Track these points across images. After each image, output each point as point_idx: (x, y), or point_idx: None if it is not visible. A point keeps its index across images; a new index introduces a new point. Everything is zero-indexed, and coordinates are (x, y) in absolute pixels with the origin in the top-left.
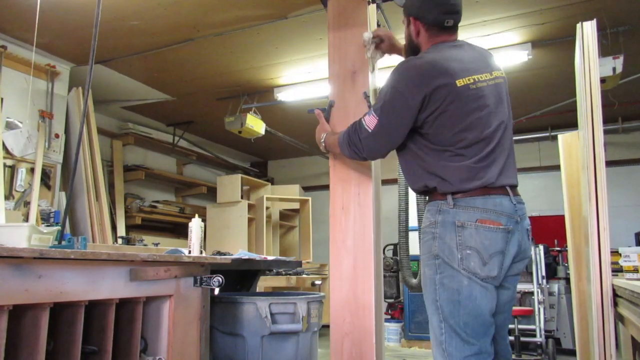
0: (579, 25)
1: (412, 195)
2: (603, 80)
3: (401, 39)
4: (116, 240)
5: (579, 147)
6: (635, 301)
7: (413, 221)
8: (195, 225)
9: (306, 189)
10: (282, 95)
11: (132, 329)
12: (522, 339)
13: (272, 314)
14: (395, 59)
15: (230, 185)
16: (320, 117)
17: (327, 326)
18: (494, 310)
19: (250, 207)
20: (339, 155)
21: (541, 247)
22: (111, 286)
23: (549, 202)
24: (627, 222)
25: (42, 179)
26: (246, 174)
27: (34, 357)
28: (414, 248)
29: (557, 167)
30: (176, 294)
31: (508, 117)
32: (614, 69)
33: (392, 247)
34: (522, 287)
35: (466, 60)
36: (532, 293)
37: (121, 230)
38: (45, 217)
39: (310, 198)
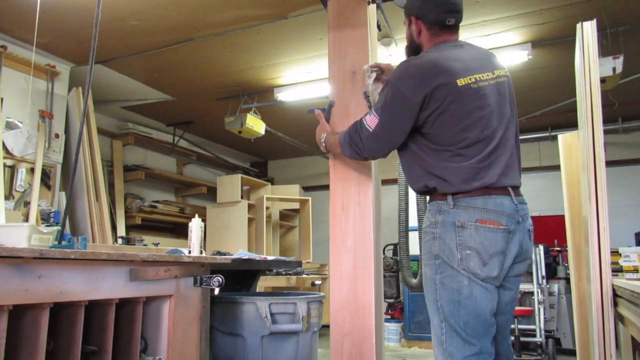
0: (579, 25)
1: (412, 195)
2: (603, 80)
3: (399, 39)
4: (116, 240)
5: (579, 147)
6: (635, 301)
7: (413, 221)
8: (195, 225)
9: (306, 189)
10: (282, 95)
11: (132, 329)
12: (522, 339)
13: (272, 314)
14: (396, 59)
15: (230, 185)
16: (321, 117)
17: (327, 326)
18: (494, 310)
19: (250, 207)
20: (339, 155)
21: (541, 247)
22: (111, 286)
23: (549, 202)
24: (627, 222)
25: (42, 179)
26: (246, 174)
27: (34, 357)
28: (414, 248)
29: (557, 167)
30: (176, 294)
31: (511, 116)
32: (614, 69)
33: (392, 247)
34: (522, 287)
35: (467, 60)
36: (532, 293)
37: (121, 230)
38: (45, 217)
39: (310, 198)
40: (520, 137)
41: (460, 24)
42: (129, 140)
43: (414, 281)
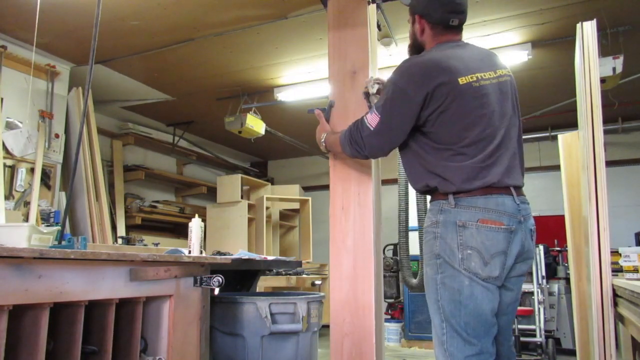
0: (579, 25)
1: (412, 195)
2: (603, 80)
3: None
4: (116, 240)
5: (579, 147)
6: (635, 301)
7: (413, 221)
8: (195, 225)
9: (306, 189)
10: (282, 95)
11: (132, 329)
12: (522, 339)
13: (272, 314)
14: (396, 59)
15: (230, 185)
16: (321, 117)
17: (327, 326)
18: (495, 310)
19: (250, 207)
20: (340, 155)
21: (541, 247)
22: (111, 286)
23: (549, 202)
24: (627, 222)
25: (42, 179)
26: (246, 174)
27: (34, 357)
28: (414, 248)
29: (557, 167)
30: (176, 294)
31: (514, 115)
32: (614, 69)
33: (392, 247)
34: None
35: (469, 59)
36: (532, 293)
37: (121, 230)
38: (45, 217)
39: (310, 198)
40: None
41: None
42: (129, 140)
43: (414, 281)
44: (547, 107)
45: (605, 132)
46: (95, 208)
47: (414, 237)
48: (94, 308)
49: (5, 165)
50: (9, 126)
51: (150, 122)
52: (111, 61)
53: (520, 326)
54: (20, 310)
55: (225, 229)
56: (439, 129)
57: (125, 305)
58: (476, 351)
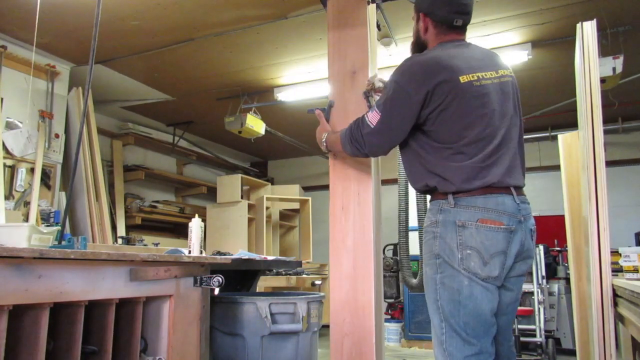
0: (579, 25)
1: (412, 195)
2: (603, 80)
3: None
4: (116, 240)
5: (579, 147)
6: (635, 301)
7: (413, 221)
8: (195, 225)
9: (306, 189)
10: (282, 95)
11: (132, 329)
12: (522, 339)
13: (272, 314)
14: (396, 59)
15: (230, 185)
16: (321, 117)
17: (327, 326)
18: (495, 310)
19: (250, 207)
20: (340, 154)
21: (541, 247)
22: (111, 286)
23: (549, 202)
24: (627, 222)
25: (42, 179)
26: (246, 174)
27: (34, 357)
28: (414, 248)
29: (557, 167)
30: (176, 294)
31: (515, 116)
32: (614, 69)
33: (392, 247)
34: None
35: (470, 58)
36: (532, 293)
37: (121, 230)
38: (45, 217)
39: (310, 198)
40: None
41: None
42: (129, 140)
43: (414, 281)
44: (547, 107)
45: (605, 132)
46: (95, 208)
47: (414, 237)
48: (94, 308)
49: (5, 165)
50: (9, 126)
51: (150, 122)
52: (111, 61)
53: (520, 326)
54: (20, 310)
55: (225, 229)
56: (439, 128)
57: (125, 305)
58: (475, 351)
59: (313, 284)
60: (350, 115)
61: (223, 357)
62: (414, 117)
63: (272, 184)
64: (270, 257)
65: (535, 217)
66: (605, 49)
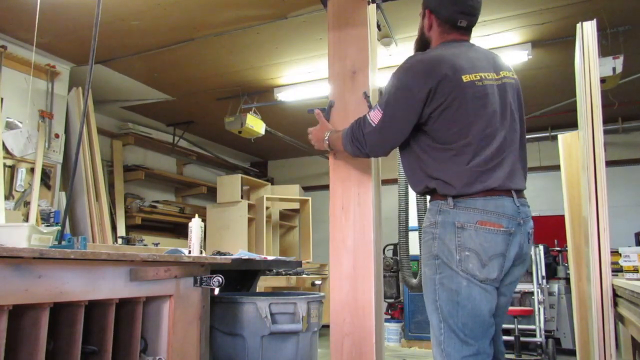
0: (579, 25)
1: (412, 195)
2: (603, 80)
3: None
4: (116, 240)
5: (579, 147)
6: (635, 301)
7: (413, 221)
8: (195, 225)
9: (306, 189)
10: (282, 95)
11: (132, 329)
12: (522, 339)
13: (272, 314)
14: (396, 59)
15: (230, 185)
16: (320, 117)
17: (327, 326)
18: (493, 311)
19: (250, 207)
20: (340, 154)
21: (541, 247)
22: (111, 286)
23: (549, 202)
24: (627, 222)
25: (42, 179)
26: (246, 174)
27: (34, 357)
28: (414, 248)
29: (557, 167)
30: (176, 294)
31: (517, 118)
32: (614, 69)
33: (392, 247)
34: (522, 287)
35: (473, 58)
36: (532, 293)
37: (121, 230)
38: (45, 217)
39: (310, 198)
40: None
41: None
42: (129, 140)
43: (414, 281)
44: (547, 107)
45: (605, 132)
46: (95, 208)
47: (414, 237)
48: (94, 308)
49: (5, 165)
50: (9, 126)
51: (150, 122)
52: (111, 61)
53: (520, 326)
54: (20, 310)
55: (225, 229)
56: (441, 127)
57: (125, 305)
58: (473, 352)
59: (313, 284)
60: (350, 115)
61: (223, 357)
62: (416, 115)
63: (272, 184)
64: (270, 257)
65: (535, 217)
66: (605, 49)
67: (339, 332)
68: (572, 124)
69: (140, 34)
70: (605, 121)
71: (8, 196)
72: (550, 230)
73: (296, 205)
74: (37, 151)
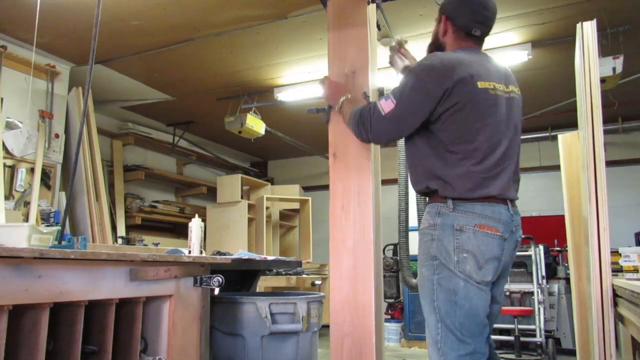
0: (579, 25)
1: (412, 195)
2: (603, 80)
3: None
4: (116, 240)
5: (579, 147)
6: (635, 301)
7: (413, 221)
8: (195, 225)
9: (306, 189)
10: (282, 95)
11: (132, 329)
12: (522, 339)
13: (272, 314)
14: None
15: (230, 185)
16: (331, 82)
17: (327, 326)
18: (488, 311)
19: (250, 207)
20: (340, 154)
21: (541, 247)
22: (111, 286)
23: (549, 202)
24: (627, 222)
25: (42, 179)
26: (246, 174)
27: (34, 357)
28: (414, 248)
29: (557, 167)
30: (176, 294)
31: (516, 133)
32: (614, 69)
33: (392, 247)
34: (522, 287)
35: (488, 67)
36: (532, 293)
37: (121, 230)
38: (45, 217)
39: (310, 198)
40: (521, 137)
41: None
42: (129, 140)
43: (414, 281)
44: (547, 107)
45: (605, 132)
46: (95, 208)
47: (414, 237)
48: (94, 308)
49: (5, 165)
50: (9, 126)
51: (150, 122)
52: (111, 61)
53: (520, 326)
54: (20, 310)
55: (225, 229)
56: (450, 128)
57: (125, 305)
58: (469, 350)
59: (313, 284)
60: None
61: (223, 357)
62: (427, 112)
63: (272, 184)
64: (270, 257)
65: (535, 217)
66: (605, 49)
67: (339, 332)
68: (572, 124)
69: (140, 34)
70: (605, 121)
71: (8, 196)
72: (550, 230)
73: (296, 205)
74: (37, 151)
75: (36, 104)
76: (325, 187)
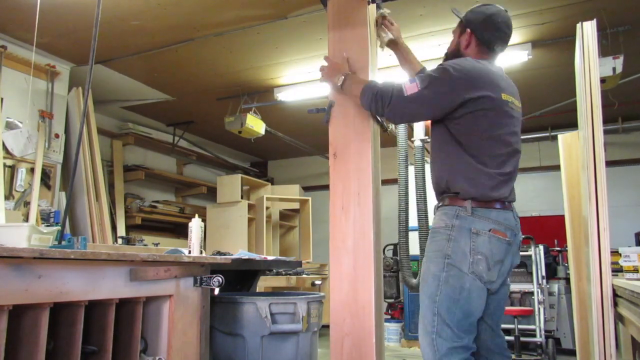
0: (579, 25)
1: (412, 195)
2: (603, 80)
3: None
4: (116, 240)
5: (579, 147)
6: (635, 301)
7: (413, 221)
8: (195, 225)
9: (306, 189)
10: (282, 95)
11: (132, 329)
12: (522, 339)
13: (272, 314)
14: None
15: (230, 185)
16: (329, 60)
17: (327, 326)
18: (482, 312)
19: (250, 207)
20: (340, 154)
21: (541, 247)
22: (111, 286)
23: (549, 202)
24: (627, 222)
25: (42, 179)
26: (246, 174)
27: (34, 357)
28: (414, 248)
29: (557, 167)
30: (176, 294)
31: (519, 144)
32: (614, 69)
33: (392, 247)
34: (522, 287)
35: (507, 82)
36: (532, 293)
37: (121, 230)
38: (45, 217)
39: (310, 198)
40: (521, 137)
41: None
42: (129, 140)
43: (414, 281)
44: (547, 107)
45: (605, 132)
46: (95, 208)
47: (414, 237)
48: (94, 308)
49: (5, 165)
50: (9, 126)
51: (150, 122)
52: (111, 61)
53: (520, 326)
54: (20, 310)
55: (225, 229)
56: (471, 129)
57: (125, 305)
58: (462, 344)
59: (313, 284)
60: (351, 115)
61: (223, 357)
62: (446, 108)
63: (272, 184)
64: (270, 257)
65: (535, 217)
66: (605, 49)
67: (339, 332)
68: (572, 124)
69: (140, 34)
70: (605, 121)
71: (8, 196)
72: (550, 230)
73: (296, 205)
74: (37, 151)
75: (36, 104)
76: (326, 187)
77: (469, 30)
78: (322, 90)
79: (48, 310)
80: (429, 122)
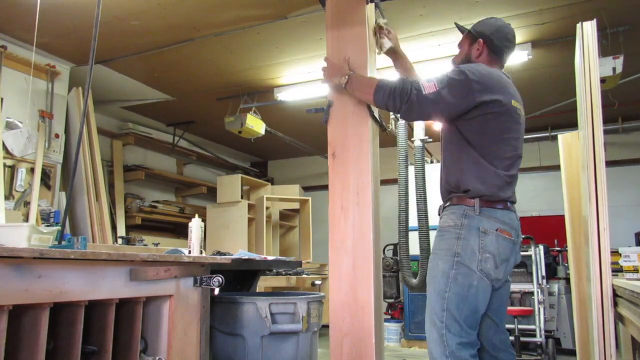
0: (579, 25)
1: (412, 195)
2: (603, 80)
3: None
4: (116, 240)
5: (579, 147)
6: (635, 301)
7: (413, 221)
8: (195, 225)
9: (306, 189)
10: (282, 95)
11: (132, 329)
12: (522, 339)
13: (272, 314)
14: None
15: (230, 185)
16: (329, 61)
17: (327, 326)
18: (486, 308)
19: (250, 207)
20: (339, 153)
21: (541, 247)
22: (111, 286)
23: (549, 202)
24: (627, 222)
25: (42, 179)
26: (246, 174)
27: (34, 357)
28: (414, 248)
29: (557, 167)
30: (176, 294)
31: (522, 149)
32: (614, 69)
33: (392, 247)
34: (522, 287)
35: (515, 89)
36: (532, 293)
37: (121, 230)
38: (45, 217)
39: (310, 198)
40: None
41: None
42: (129, 140)
43: (414, 281)
44: (547, 107)
45: (605, 132)
46: (95, 208)
47: (414, 237)
48: (94, 308)
49: (5, 165)
50: (9, 126)
51: (150, 122)
52: (111, 61)
53: (520, 326)
54: (20, 310)
55: (225, 229)
56: (483, 129)
57: (125, 305)
58: (470, 340)
59: (313, 284)
60: (350, 115)
61: (223, 357)
62: (462, 108)
63: (272, 184)
64: (270, 257)
65: (535, 217)
66: (605, 49)
67: (338, 332)
68: (572, 124)
69: (140, 34)
70: (605, 121)
71: (8, 196)
72: (550, 230)
73: (296, 205)
74: (37, 151)
75: (36, 104)
76: (325, 187)
77: (481, 40)
78: (322, 90)
79: (48, 310)
80: (429, 122)
